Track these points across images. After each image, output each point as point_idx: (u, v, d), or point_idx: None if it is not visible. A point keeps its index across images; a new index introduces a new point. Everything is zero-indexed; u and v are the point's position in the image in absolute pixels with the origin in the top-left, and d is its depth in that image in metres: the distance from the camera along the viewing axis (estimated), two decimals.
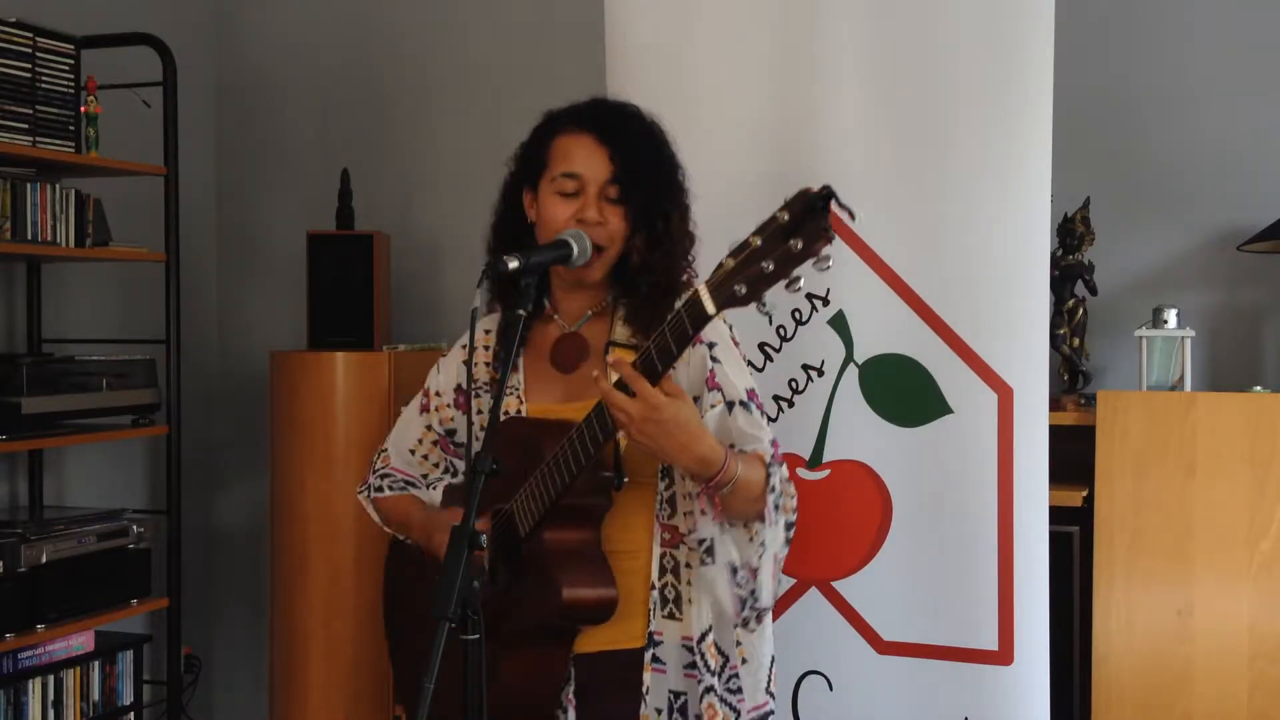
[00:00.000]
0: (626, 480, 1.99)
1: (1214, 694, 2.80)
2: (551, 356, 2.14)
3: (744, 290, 1.66)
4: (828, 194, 1.59)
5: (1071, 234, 3.20)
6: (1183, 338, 3.05)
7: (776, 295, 1.68)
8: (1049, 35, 2.60)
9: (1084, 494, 2.96)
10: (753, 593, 2.00)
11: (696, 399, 2.02)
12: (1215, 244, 3.29)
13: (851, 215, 1.60)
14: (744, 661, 2.08)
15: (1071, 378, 3.25)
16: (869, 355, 2.75)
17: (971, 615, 2.68)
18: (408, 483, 2.33)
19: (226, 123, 4.45)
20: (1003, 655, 2.66)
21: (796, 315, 2.78)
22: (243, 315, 4.43)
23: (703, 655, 2.03)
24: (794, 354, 2.79)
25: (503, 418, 2.12)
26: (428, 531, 2.20)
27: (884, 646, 2.76)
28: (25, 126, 3.32)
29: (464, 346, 2.24)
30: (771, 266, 1.63)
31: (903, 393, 2.72)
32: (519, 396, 2.14)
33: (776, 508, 1.98)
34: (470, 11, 4.09)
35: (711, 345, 2.03)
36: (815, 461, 2.78)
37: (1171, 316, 3.07)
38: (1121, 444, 2.89)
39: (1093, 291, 3.23)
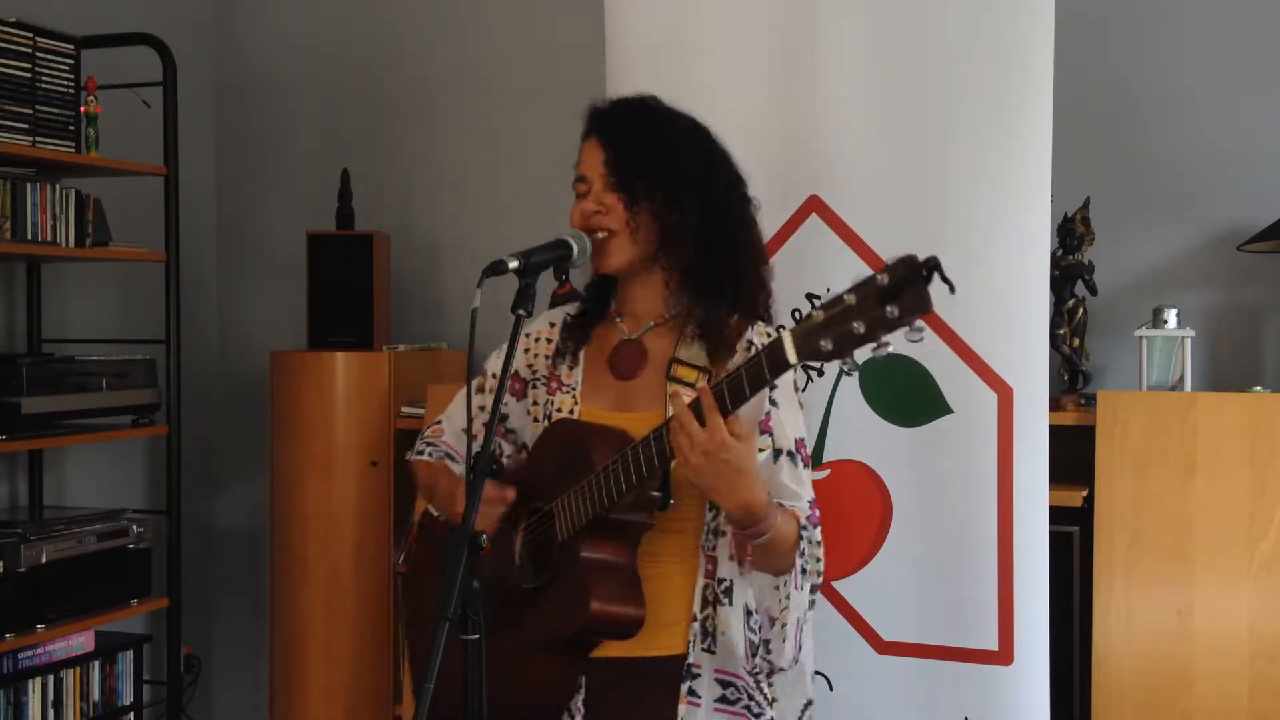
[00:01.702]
0: (673, 503, 1.97)
1: (1214, 694, 2.80)
2: (609, 362, 2.13)
3: (830, 346, 1.65)
4: (933, 265, 1.56)
5: (1071, 234, 3.20)
6: (1183, 338, 3.05)
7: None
8: (1049, 35, 2.60)
9: (1084, 494, 2.96)
10: (766, 643, 2.00)
11: None
12: (1215, 244, 3.29)
13: (952, 288, 1.58)
14: (772, 702, 2.06)
15: (1071, 378, 3.25)
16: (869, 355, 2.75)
17: (971, 615, 2.67)
18: (449, 455, 2.32)
19: (226, 123, 4.45)
20: (1003, 655, 2.66)
21: (796, 316, 2.78)
22: (243, 315, 4.43)
23: (746, 687, 2.02)
24: None
25: (555, 416, 2.12)
26: (453, 496, 2.17)
27: (884, 646, 2.76)
28: (25, 126, 3.32)
29: (528, 335, 2.24)
30: (863, 329, 1.62)
31: (903, 393, 2.72)
32: (574, 396, 2.13)
33: (804, 571, 1.97)
34: (470, 12, 4.09)
35: (773, 386, 1.99)
36: (815, 461, 2.78)
37: (1171, 316, 3.07)
38: (1121, 444, 2.88)
39: (1093, 291, 3.23)
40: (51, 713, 3.45)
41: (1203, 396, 2.90)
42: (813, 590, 2.02)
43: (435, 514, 2.27)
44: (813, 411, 2.78)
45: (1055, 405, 2.91)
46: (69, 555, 3.38)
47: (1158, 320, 3.07)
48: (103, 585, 3.50)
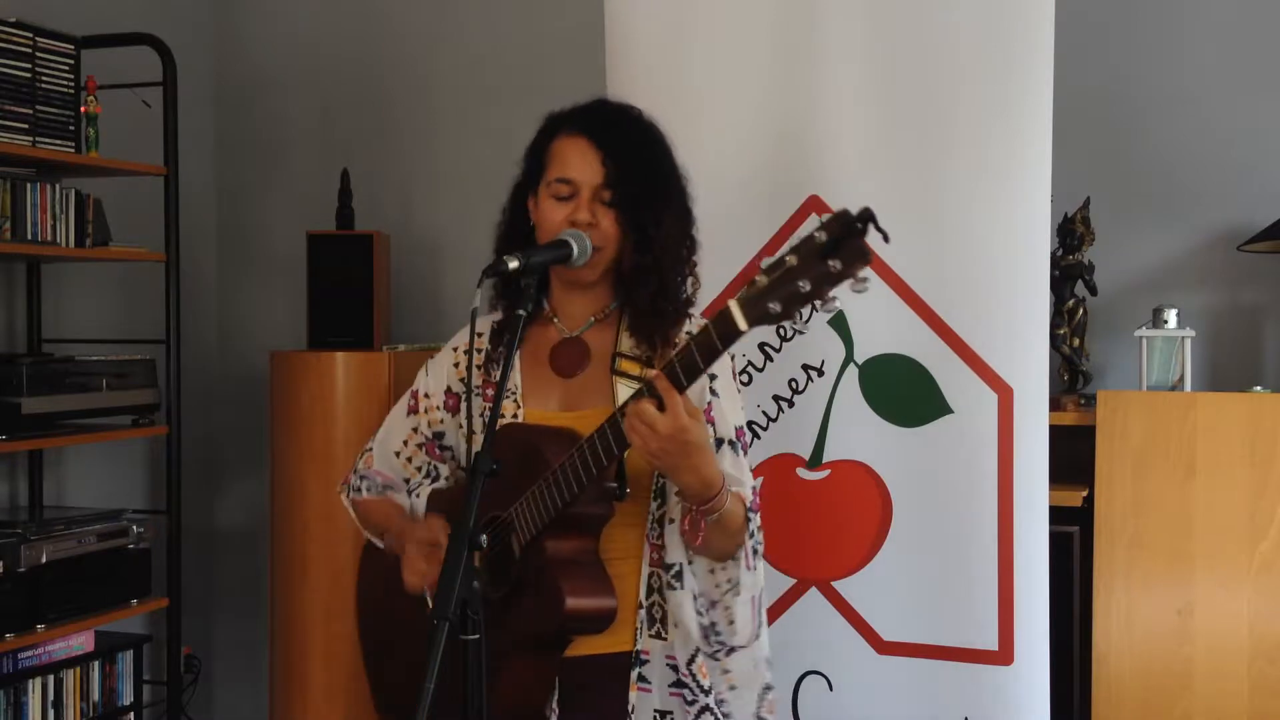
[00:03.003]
0: (629, 492, 1.98)
1: (1214, 694, 2.80)
2: (551, 361, 2.13)
3: (779, 309, 1.67)
4: (867, 216, 1.59)
5: (1071, 234, 3.20)
6: (1183, 338, 3.05)
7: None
8: (1049, 34, 2.60)
9: (1084, 494, 2.96)
10: (713, 624, 2.03)
11: None
12: (1215, 244, 3.29)
13: (886, 238, 1.61)
14: (732, 689, 2.08)
15: (1071, 378, 3.25)
16: (869, 355, 2.75)
17: (971, 615, 2.68)
18: (386, 486, 2.31)
19: (226, 123, 4.45)
20: (1003, 655, 2.66)
21: (797, 315, 2.78)
22: (243, 315, 4.43)
23: (693, 675, 2.04)
24: (794, 354, 2.79)
25: (500, 423, 2.09)
26: (403, 542, 2.17)
27: (884, 646, 2.76)
28: (25, 126, 3.32)
29: (455, 349, 2.23)
30: (808, 286, 1.64)
31: (903, 393, 2.72)
32: (516, 400, 2.13)
33: (755, 552, 2.01)
34: (470, 11, 4.09)
35: (713, 377, 2.02)
36: (815, 461, 2.78)
37: (1171, 316, 3.07)
38: (1121, 444, 2.89)
39: (1093, 291, 3.23)
40: (51, 713, 3.45)
41: (1203, 396, 2.90)
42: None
43: (381, 546, 2.29)
44: (813, 411, 2.79)
45: (1055, 405, 2.91)
46: (69, 555, 3.38)
47: (1158, 320, 3.07)
48: (102, 585, 3.50)
